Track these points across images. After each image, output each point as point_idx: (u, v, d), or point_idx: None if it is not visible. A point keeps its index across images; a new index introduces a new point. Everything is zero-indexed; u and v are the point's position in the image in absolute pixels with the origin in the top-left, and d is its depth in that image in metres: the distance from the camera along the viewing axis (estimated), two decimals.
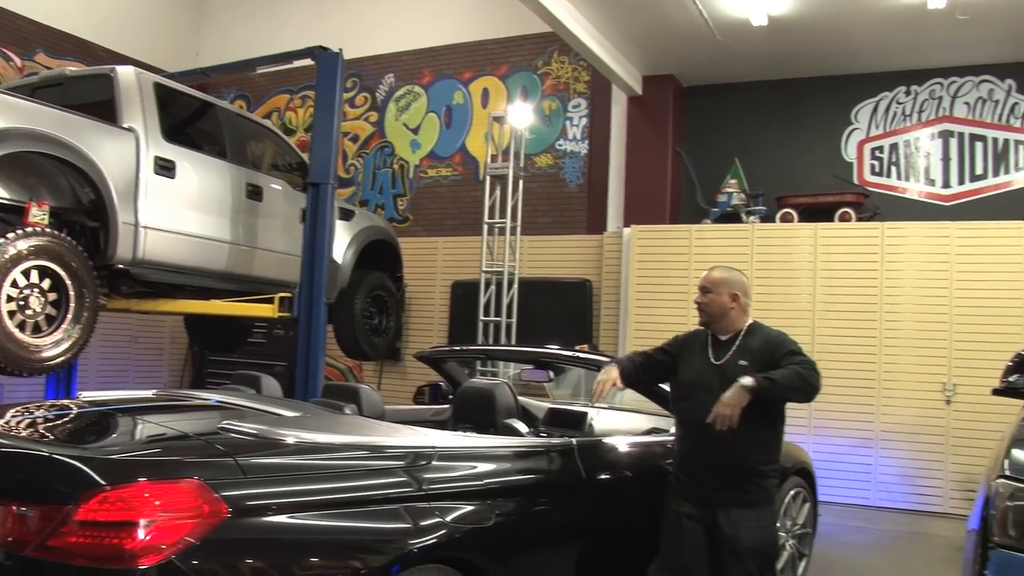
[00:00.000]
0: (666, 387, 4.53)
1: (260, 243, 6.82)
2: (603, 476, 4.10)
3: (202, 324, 8.54)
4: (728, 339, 4.10)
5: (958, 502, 8.05)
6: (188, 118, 6.68)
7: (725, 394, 3.71)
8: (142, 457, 2.88)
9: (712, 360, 4.06)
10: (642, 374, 4.34)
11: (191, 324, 8.88)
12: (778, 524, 4.99)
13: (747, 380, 3.70)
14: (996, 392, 4.11)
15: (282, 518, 2.74)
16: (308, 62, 7.17)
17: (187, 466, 2.70)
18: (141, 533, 2.45)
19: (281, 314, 6.85)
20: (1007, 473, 2.66)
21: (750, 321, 4.15)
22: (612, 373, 4.23)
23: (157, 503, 2.50)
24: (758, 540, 3.95)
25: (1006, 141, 9.46)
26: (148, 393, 4.44)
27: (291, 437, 3.10)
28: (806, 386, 3.78)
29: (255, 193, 6.73)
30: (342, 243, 7.60)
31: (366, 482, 3.07)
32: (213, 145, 6.63)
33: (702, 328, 4.25)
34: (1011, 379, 4.02)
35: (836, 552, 6.56)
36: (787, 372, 3.77)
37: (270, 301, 6.80)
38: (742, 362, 3.95)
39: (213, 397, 4.19)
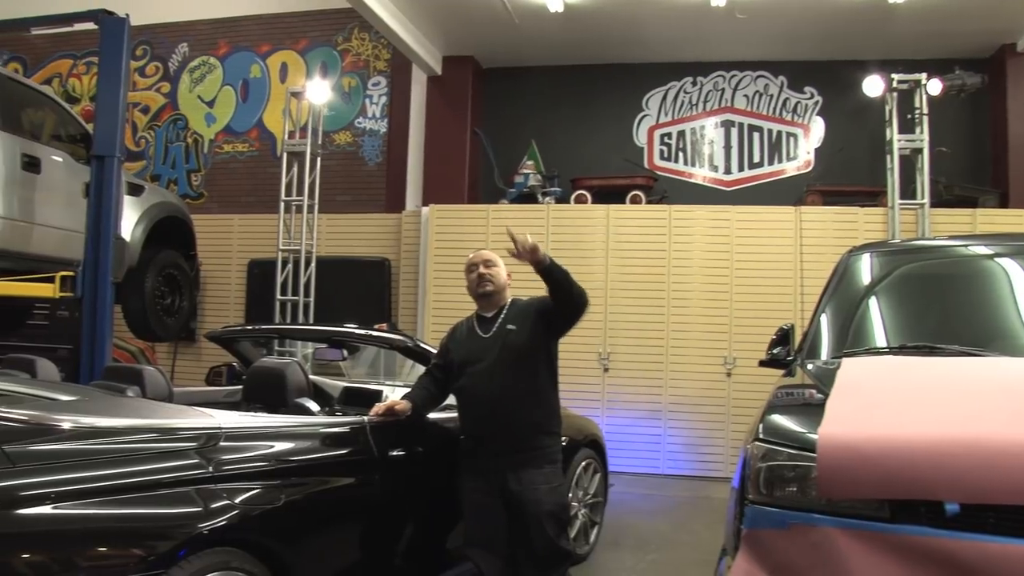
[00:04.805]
0: None
1: (38, 218, 6.39)
2: (396, 453, 4.13)
3: None
4: (493, 315, 4.35)
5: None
6: None
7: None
8: None
9: (482, 335, 4.30)
10: (437, 398, 4.48)
11: None
12: (570, 494, 5.20)
13: (544, 257, 3.97)
14: (762, 364, 4.40)
15: (59, 508, 2.61)
16: (91, 25, 6.77)
17: None
18: None
19: (63, 294, 6.44)
20: (761, 436, 2.88)
21: (511, 298, 4.45)
22: (399, 404, 4.28)
23: None
24: (551, 502, 4.14)
25: (779, 132, 10.18)
26: None
27: (67, 422, 2.95)
28: (577, 284, 4.09)
29: (32, 165, 6.30)
30: (131, 219, 7.23)
31: (148, 466, 2.96)
32: None
33: (465, 318, 4.52)
34: (775, 351, 4.31)
35: (627, 519, 6.86)
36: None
37: (51, 280, 6.40)
38: (511, 327, 4.24)
39: None
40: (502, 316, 4.32)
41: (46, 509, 2.59)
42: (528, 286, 4.37)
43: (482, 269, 4.34)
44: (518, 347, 4.18)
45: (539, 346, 4.24)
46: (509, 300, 4.40)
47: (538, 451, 4.17)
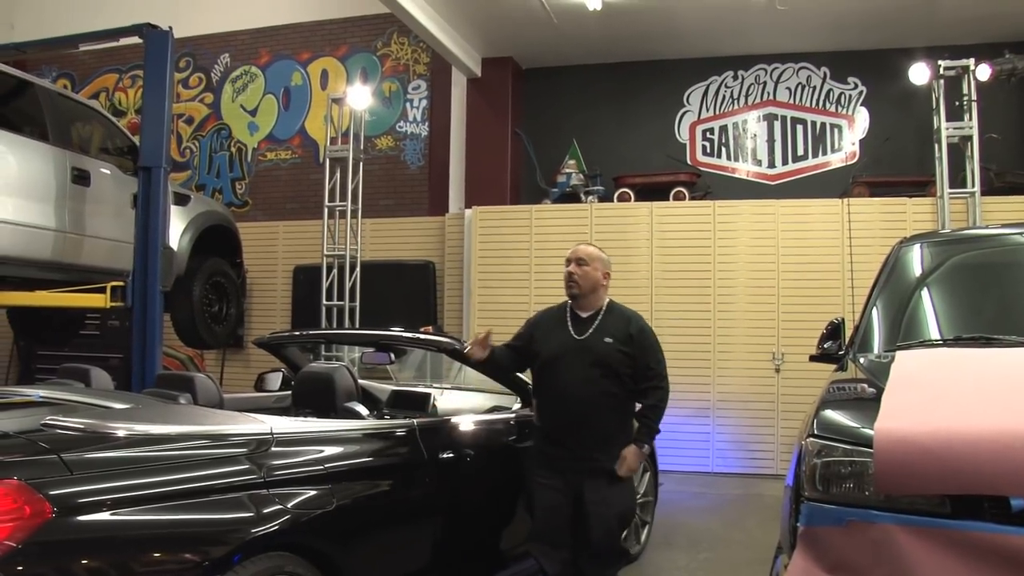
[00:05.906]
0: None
1: (88, 230, 6.48)
2: (446, 455, 4.12)
3: (28, 316, 8.08)
4: (589, 316, 4.27)
5: (788, 464, 8.50)
6: (3, 97, 6.28)
7: (630, 459, 4.13)
8: None
9: (574, 335, 4.23)
10: (506, 362, 4.49)
11: (15, 317, 8.38)
12: None
13: (644, 447, 4.18)
14: (813, 359, 4.34)
15: (115, 514, 2.64)
16: (136, 40, 6.86)
17: (5, 466, 2.54)
18: None
19: (113, 304, 6.55)
20: (816, 432, 2.83)
21: (608, 300, 4.36)
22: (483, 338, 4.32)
23: None
24: (620, 503, 4.21)
25: (823, 124, 10.04)
26: None
27: (122, 430, 2.98)
28: (663, 411, 4.26)
29: (81, 178, 6.39)
30: (177, 229, 7.32)
31: (202, 472, 2.98)
32: (33, 127, 6.24)
33: (557, 305, 4.45)
34: (826, 346, 4.25)
35: (678, 517, 6.81)
36: (655, 411, 4.21)
37: (101, 290, 6.50)
38: (608, 340, 4.17)
39: (37, 393, 3.98)
40: (598, 321, 4.25)
41: (103, 515, 2.62)
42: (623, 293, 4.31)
43: (572, 267, 4.27)
44: (612, 360, 4.15)
45: (629, 364, 4.19)
46: (606, 303, 4.33)
47: (615, 459, 4.16)
